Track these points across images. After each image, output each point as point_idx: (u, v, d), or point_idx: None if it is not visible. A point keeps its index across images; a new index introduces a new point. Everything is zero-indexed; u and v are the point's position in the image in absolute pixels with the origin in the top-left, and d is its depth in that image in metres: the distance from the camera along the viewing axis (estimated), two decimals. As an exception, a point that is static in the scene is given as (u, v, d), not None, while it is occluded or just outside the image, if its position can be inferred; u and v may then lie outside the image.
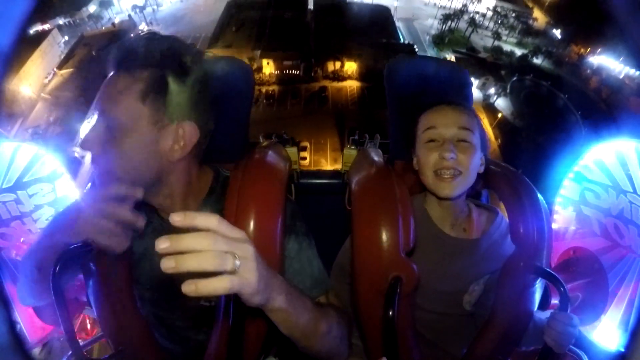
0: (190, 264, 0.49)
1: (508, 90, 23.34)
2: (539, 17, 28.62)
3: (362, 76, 24.62)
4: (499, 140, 20.77)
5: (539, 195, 0.96)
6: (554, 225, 1.38)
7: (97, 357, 0.95)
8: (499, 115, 22.38)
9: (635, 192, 1.17)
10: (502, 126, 21.95)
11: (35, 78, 22.14)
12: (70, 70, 23.22)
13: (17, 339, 0.44)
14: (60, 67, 23.52)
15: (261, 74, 24.56)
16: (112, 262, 0.86)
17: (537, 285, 0.94)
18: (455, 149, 0.90)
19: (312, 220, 1.05)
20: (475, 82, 23.51)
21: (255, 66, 24.37)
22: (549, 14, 27.60)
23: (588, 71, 23.13)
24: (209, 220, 0.50)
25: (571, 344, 0.84)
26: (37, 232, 1.36)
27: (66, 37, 25.65)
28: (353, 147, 1.39)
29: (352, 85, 24.72)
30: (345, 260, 1.00)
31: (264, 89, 24.06)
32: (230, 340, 0.77)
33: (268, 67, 25.00)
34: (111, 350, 0.93)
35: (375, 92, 22.41)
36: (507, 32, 27.92)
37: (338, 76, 25.08)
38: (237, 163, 0.87)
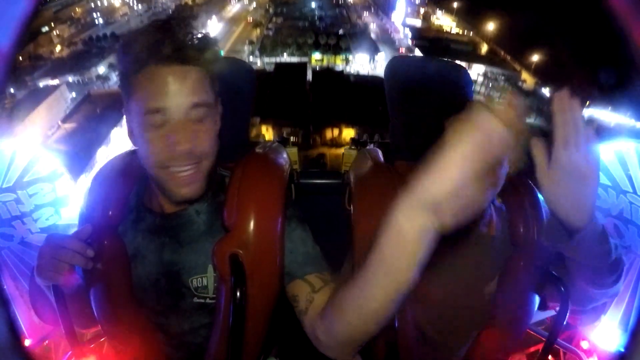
0: None
1: None
2: (527, 79, 30.39)
3: (370, 135, 24.99)
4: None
5: (539, 195, 0.96)
6: (554, 225, 1.38)
7: (97, 357, 0.95)
8: None
9: (635, 192, 1.17)
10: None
11: (40, 129, 22.85)
12: (74, 125, 23.92)
13: (17, 339, 0.44)
14: (64, 120, 24.33)
15: (260, 137, 25.18)
16: (112, 264, 0.86)
17: (537, 286, 0.94)
18: None
19: (312, 220, 1.05)
20: None
21: (254, 133, 24.81)
22: (536, 76, 29.27)
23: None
24: None
25: None
26: (37, 232, 1.37)
27: (74, 94, 26.90)
28: (353, 147, 1.39)
29: (351, 152, 25.38)
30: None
31: None
32: (230, 340, 0.77)
33: (267, 134, 25.71)
34: (111, 350, 0.93)
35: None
36: (498, 94, 29.21)
37: (336, 143, 25.58)
38: (237, 163, 0.87)
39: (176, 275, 0.85)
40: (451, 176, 0.44)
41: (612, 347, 1.14)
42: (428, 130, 1.08)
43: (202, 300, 0.85)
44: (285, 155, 0.99)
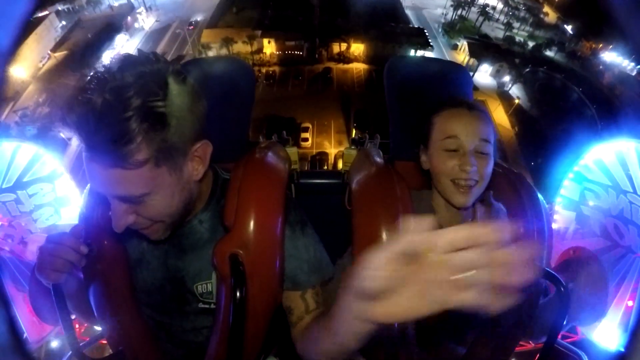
0: None
1: (522, 80, 22.56)
2: (550, 13, 28.33)
3: (369, 59, 23.29)
4: (516, 129, 20.01)
5: (539, 195, 0.96)
6: (554, 225, 1.39)
7: (97, 357, 0.95)
8: (515, 103, 21.45)
9: (635, 192, 1.17)
10: (517, 114, 20.95)
11: (30, 61, 21.84)
12: (65, 52, 22.89)
13: (17, 339, 0.44)
14: (55, 49, 23.14)
15: (262, 54, 23.54)
16: (112, 264, 0.86)
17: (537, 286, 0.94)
18: (474, 160, 0.89)
19: (312, 220, 1.05)
20: (488, 68, 22.80)
21: (256, 47, 23.52)
22: (559, 11, 27.33)
23: (601, 67, 22.46)
24: None
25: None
26: (37, 232, 1.37)
27: (64, 22, 25.07)
28: (353, 147, 1.39)
29: (359, 67, 23.24)
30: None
31: (264, 70, 22.97)
32: (230, 340, 0.77)
33: (269, 47, 23.76)
34: (111, 350, 0.93)
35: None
36: (518, 24, 27.40)
37: (344, 58, 23.62)
38: (237, 163, 0.87)
39: (181, 281, 0.85)
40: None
41: (612, 347, 1.14)
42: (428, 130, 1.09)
43: (207, 306, 0.86)
44: (285, 156, 0.99)
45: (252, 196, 0.80)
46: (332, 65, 23.54)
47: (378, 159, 1.03)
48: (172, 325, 0.90)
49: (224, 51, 23.35)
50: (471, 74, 22.22)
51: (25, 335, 1.25)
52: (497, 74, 22.91)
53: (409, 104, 1.10)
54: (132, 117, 0.61)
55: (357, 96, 20.45)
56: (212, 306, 0.85)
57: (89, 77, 0.63)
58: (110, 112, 0.60)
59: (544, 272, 0.90)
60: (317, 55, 23.77)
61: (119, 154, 0.62)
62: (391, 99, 1.13)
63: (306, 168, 15.47)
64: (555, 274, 0.88)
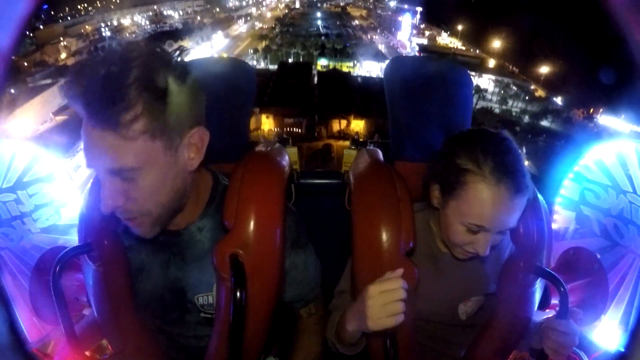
0: None
1: (524, 151, 22.96)
2: (538, 90, 29.90)
3: (371, 135, 22.96)
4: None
5: (539, 195, 0.96)
6: (554, 225, 1.38)
7: (97, 357, 0.95)
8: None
9: (635, 192, 1.17)
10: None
11: (30, 122, 22.40)
12: (65, 117, 23.15)
13: (17, 339, 0.44)
14: (56, 113, 23.69)
15: (259, 131, 23.23)
16: (112, 264, 0.86)
17: (537, 285, 0.94)
18: (492, 237, 0.84)
19: (312, 220, 1.05)
20: None
21: (254, 124, 23.09)
22: (545, 88, 28.97)
23: (595, 130, 23.15)
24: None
25: (571, 351, 0.83)
26: (37, 232, 1.36)
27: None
28: (353, 147, 1.39)
29: None
30: (346, 286, 1.00)
31: None
32: (230, 340, 0.77)
33: (267, 123, 23.53)
34: (111, 350, 0.93)
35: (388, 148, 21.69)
36: (511, 102, 28.58)
37: (344, 135, 23.09)
38: (237, 163, 0.87)
39: (181, 291, 0.85)
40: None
41: (612, 347, 1.14)
42: (428, 129, 1.09)
43: (209, 316, 0.86)
44: (285, 156, 0.99)
45: (252, 196, 0.80)
46: (331, 142, 23.26)
47: (378, 159, 1.03)
48: (172, 332, 0.91)
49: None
50: None
51: (25, 335, 1.24)
52: None
53: (409, 104, 1.10)
54: (132, 86, 0.62)
55: None
56: (214, 316, 0.85)
57: (96, 50, 0.66)
58: (112, 79, 0.62)
59: (544, 272, 0.90)
60: (316, 133, 23.58)
61: (117, 119, 0.63)
62: (391, 99, 1.13)
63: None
64: (555, 274, 0.88)
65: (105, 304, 0.88)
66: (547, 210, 0.96)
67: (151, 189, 0.70)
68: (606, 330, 1.18)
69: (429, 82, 1.09)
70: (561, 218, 1.40)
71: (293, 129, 23.51)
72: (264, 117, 23.65)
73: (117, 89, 0.62)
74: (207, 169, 0.87)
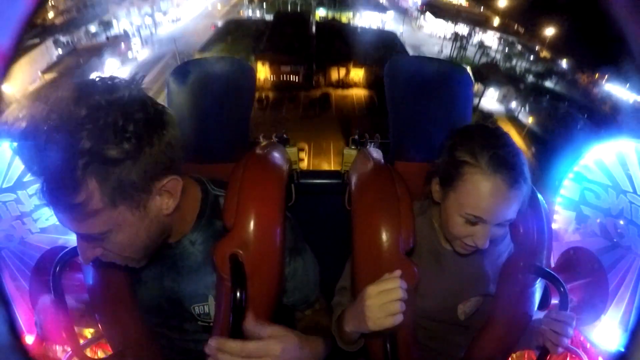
0: None
1: (527, 110, 22.49)
2: (543, 51, 28.28)
3: (371, 84, 22.17)
4: (532, 150, 19.67)
5: (539, 195, 0.96)
6: (554, 225, 1.38)
7: (97, 357, 0.95)
8: (526, 126, 21.35)
9: (635, 192, 1.17)
10: (531, 136, 20.63)
11: (19, 81, 21.87)
12: (54, 75, 22.79)
13: (17, 339, 0.44)
14: (45, 72, 23.14)
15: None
16: (112, 264, 0.86)
17: (537, 285, 0.94)
18: (491, 230, 0.83)
19: (312, 220, 1.05)
20: (495, 94, 22.60)
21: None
22: (551, 50, 27.37)
23: (600, 97, 22.44)
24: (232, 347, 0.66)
25: (568, 339, 0.84)
26: (37, 232, 1.37)
27: (60, 51, 25.22)
28: (353, 147, 1.39)
29: (359, 93, 22.47)
30: (347, 283, 1.00)
31: (256, 95, 21.42)
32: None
33: (263, 71, 22.40)
34: (111, 350, 0.93)
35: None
36: (514, 60, 27.37)
37: (343, 84, 22.50)
38: (237, 163, 0.87)
39: (178, 302, 0.85)
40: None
41: (612, 347, 1.14)
42: (428, 129, 1.09)
43: (206, 324, 0.86)
44: (285, 156, 0.99)
45: (252, 196, 0.80)
46: (330, 90, 22.40)
47: (378, 159, 1.03)
48: (171, 336, 0.91)
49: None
50: (477, 100, 22.09)
51: (25, 334, 1.24)
52: (504, 99, 22.75)
53: (410, 104, 1.10)
54: (79, 162, 0.56)
55: (358, 120, 19.83)
56: (212, 324, 0.85)
57: (40, 106, 0.56)
58: (56, 154, 0.55)
59: (544, 272, 0.90)
60: (313, 82, 22.45)
61: (69, 202, 0.58)
62: (392, 99, 1.13)
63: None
64: (555, 274, 0.88)
65: (105, 304, 0.88)
66: (547, 210, 0.96)
67: (125, 243, 0.69)
68: (606, 330, 1.18)
69: (429, 83, 1.09)
70: (561, 218, 1.40)
71: (290, 77, 22.49)
72: (259, 64, 22.24)
73: (63, 170, 0.56)
74: (194, 180, 0.86)
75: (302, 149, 17.11)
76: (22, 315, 1.20)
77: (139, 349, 0.90)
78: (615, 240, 1.23)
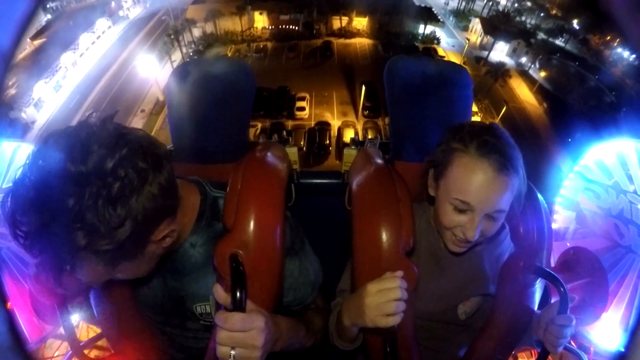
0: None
1: (538, 66, 21.65)
2: (554, 11, 27.00)
3: (374, 33, 21.07)
4: (544, 105, 19.15)
5: (539, 195, 0.96)
6: (554, 225, 1.38)
7: (97, 357, 0.95)
8: (539, 79, 20.61)
9: (635, 192, 1.17)
10: (542, 91, 19.97)
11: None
12: (44, 40, 21.74)
13: (17, 339, 0.44)
14: (34, 38, 21.99)
15: (252, 29, 21.23)
16: None
17: (537, 285, 0.94)
18: (481, 223, 0.82)
19: (312, 220, 1.05)
20: (505, 47, 21.92)
21: (246, 23, 21.28)
22: (561, 10, 26.28)
23: (610, 59, 21.77)
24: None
25: (567, 342, 0.84)
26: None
27: (49, 16, 23.63)
28: (353, 147, 1.39)
29: (363, 42, 21.31)
30: (347, 286, 1.00)
31: (254, 45, 20.89)
32: None
33: (260, 21, 21.26)
34: (111, 350, 0.93)
35: (391, 48, 19.55)
36: (524, 17, 25.98)
37: (346, 33, 21.22)
38: (237, 163, 0.87)
39: (181, 300, 0.86)
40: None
41: (612, 347, 1.14)
42: (428, 130, 1.09)
43: (208, 323, 0.87)
44: (285, 156, 0.99)
45: (252, 196, 0.80)
46: (332, 39, 21.28)
47: (378, 159, 1.03)
48: (173, 333, 0.91)
49: (210, 27, 21.36)
50: (486, 53, 21.55)
51: (25, 335, 1.24)
52: (513, 53, 21.89)
53: (410, 104, 1.10)
54: (76, 255, 0.59)
55: (361, 69, 19.00)
56: (213, 324, 0.85)
57: (28, 194, 0.55)
58: (53, 245, 0.57)
59: (544, 272, 0.90)
60: (314, 31, 21.29)
61: (62, 267, 0.61)
62: (391, 100, 1.13)
63: (302, 143, 14.11)
64: (555, 274, 0.88)
65: (106, 303, 0.88)
66: (547, 210, 0.96)
67: (130, 276, 0.73)
68: (606, 330, 1.18)
69: (429, 83, 1.09)
70: (561, 218, 1.40)
71: (289, 27, 21.45)
72: (256, 14, 21.40)
73: (61, 261, 0.59)
74: (192, 182, 0.85)
75: (302, 98, 16.29)
76: (22, 316, 1.20)
77: (139, 349, 0.90)
78: (615, 240, 1.23)
